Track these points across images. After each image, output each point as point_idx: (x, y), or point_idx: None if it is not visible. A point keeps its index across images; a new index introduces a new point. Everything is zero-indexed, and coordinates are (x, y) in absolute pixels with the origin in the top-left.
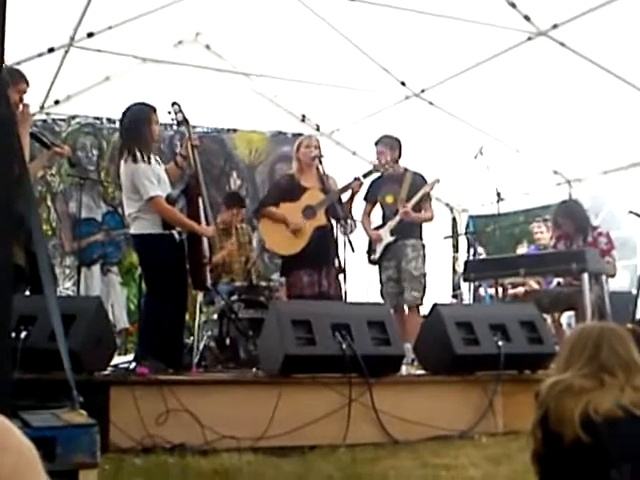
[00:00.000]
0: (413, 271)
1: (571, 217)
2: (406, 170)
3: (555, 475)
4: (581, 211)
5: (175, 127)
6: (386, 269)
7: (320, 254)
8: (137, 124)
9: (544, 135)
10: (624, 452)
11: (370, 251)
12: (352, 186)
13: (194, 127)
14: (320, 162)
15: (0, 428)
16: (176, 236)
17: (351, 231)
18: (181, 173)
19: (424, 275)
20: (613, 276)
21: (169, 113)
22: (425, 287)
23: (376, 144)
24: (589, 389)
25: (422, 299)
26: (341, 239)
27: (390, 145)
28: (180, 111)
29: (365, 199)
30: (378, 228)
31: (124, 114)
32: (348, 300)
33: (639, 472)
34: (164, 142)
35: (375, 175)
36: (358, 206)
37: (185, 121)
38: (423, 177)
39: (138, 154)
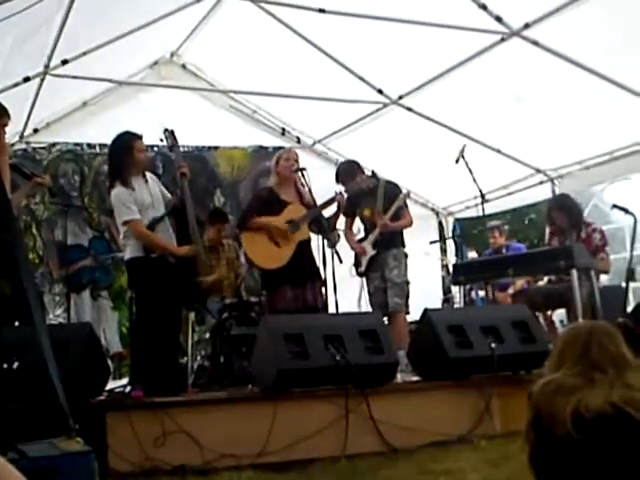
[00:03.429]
0: (395, 279)
1: (565, 211)
2: (378, 180)
3: (551, 474)
4: (575, 205)
5: (157, 149)
6: (373, 280)
7: (304, 268)
8: (118, 153)
9: (524, 134)
10: (615, 450)
11: (357, 264)
12: (337, 199)
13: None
14: (302, 174)
15: None
16: (170, 258)
17: (334, 244)
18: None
19: (407, 282)
20: (607, 272)
21: (161, 140)
22: (408, 294)
23: (339, 182)
24: (580, 387)
25: (406, 305)
26: (327, 251)
27: (350, 174)
28: (172, 136)
29: (344, 213)
30: (361, 241)
31: (111, 143)
32: (340, 311)
33: (629, 469)
34: None
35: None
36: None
37: (175, 146)
38: (396, 185)
39: (118, 181)
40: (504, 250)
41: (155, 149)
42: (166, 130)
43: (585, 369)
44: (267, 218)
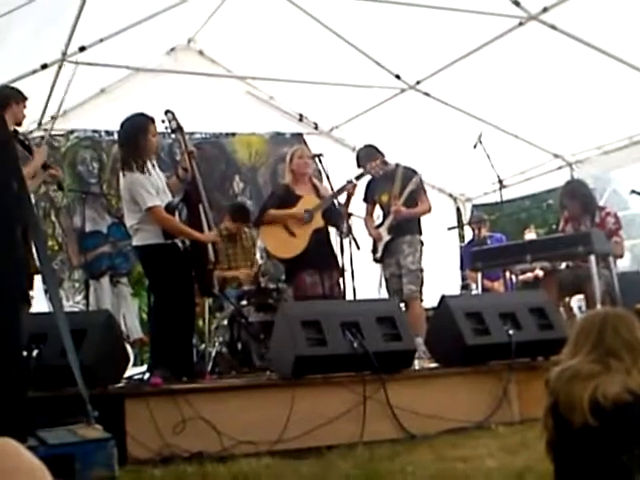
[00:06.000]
0: (410, 265)
1: (577, 198)
2: (397, 166)
3: (568, 461)
4: (586, 191)
5: (174, 136)
6: (389, 266)
7: (320, 256)
8: (134, 135)
9: (542, 119)
10: (634, 436)
11: (374, 250)
12: (347, 189)
13: (192, 134)
14: (320, 161)
15: (11, 450)
16: (179, 244)
17: (347, 234)
18: (182, 185)
19: (421, 270)
20: (621, 256)
21: (163, 122)
22: (422, 281)
23: (360, 166)
24: (596, 374)
25: (420, 292)
26: (343, 239)
27: (370, 157)
28: (174, 118)
29: (365, 200)
30: (378, 227)
31: (121, 126)
32: (358, 298)
33: None
34: (163, 150)
35: (369, 176)
36: (356, 207)
37: (179, 128)
38: (414, 170)
39: (135, 165)
40: (488, 241)
41: (172, 136)
42: (168, 112)
43: (601, 356)
44: (283, 210)
